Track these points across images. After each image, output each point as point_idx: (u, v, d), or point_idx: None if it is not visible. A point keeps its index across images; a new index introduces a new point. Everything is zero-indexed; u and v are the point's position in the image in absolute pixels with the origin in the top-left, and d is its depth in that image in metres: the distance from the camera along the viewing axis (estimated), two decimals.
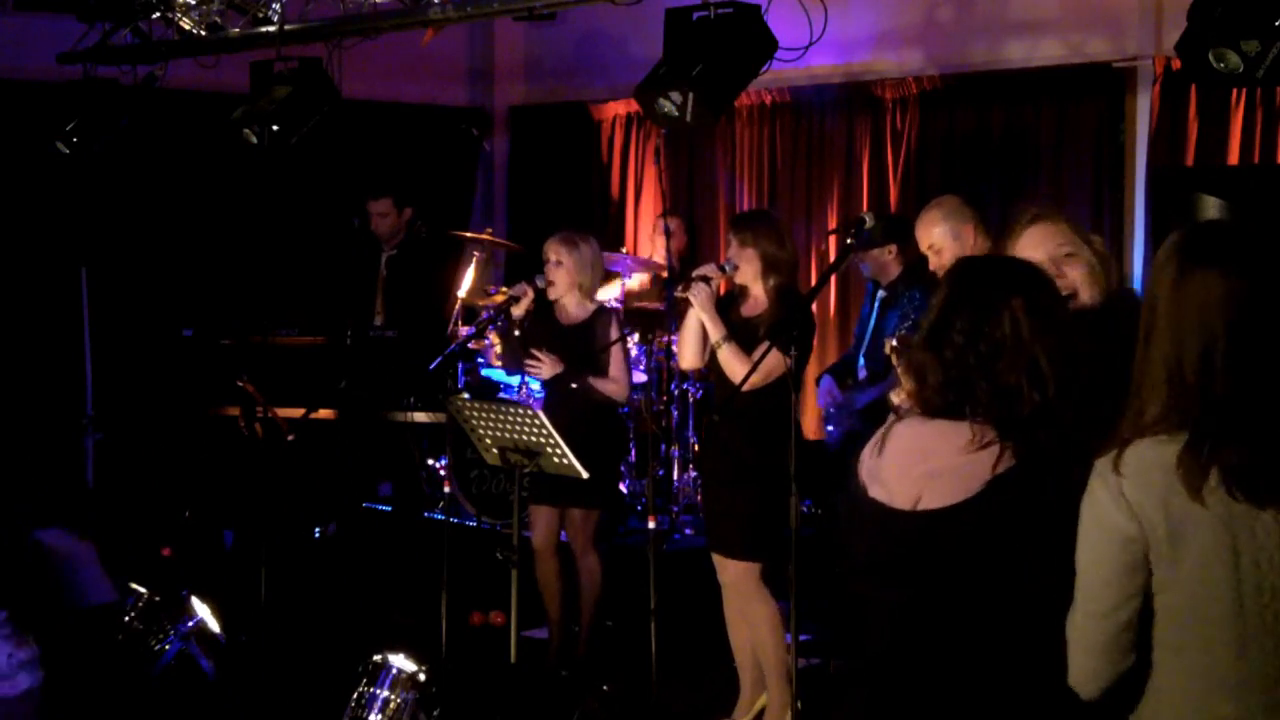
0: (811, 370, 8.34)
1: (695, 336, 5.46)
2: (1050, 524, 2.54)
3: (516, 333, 6.22)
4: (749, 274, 5.45)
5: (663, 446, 7.94)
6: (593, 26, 9.68)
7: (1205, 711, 2.48)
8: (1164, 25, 7.38)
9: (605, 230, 9.70)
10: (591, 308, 6.21)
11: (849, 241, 5.61)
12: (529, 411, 5.34)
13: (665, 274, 8.29)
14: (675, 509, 7.85)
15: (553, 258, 6.14)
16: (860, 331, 6.56)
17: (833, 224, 8.77)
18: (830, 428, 6.81)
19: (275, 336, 7.96)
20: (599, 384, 6.07)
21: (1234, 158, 7.20)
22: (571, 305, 6.20)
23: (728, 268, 5.48)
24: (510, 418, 5.37)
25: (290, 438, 6.46)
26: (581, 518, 6.16)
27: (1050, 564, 2.53)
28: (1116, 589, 2.48)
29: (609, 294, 8.09)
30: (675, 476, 7.98)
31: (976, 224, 5.29)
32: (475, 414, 5.47)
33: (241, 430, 6.92)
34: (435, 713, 4.63)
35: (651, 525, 5.54)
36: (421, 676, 4.64)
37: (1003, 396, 2.63)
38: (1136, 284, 6.52)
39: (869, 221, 5.89)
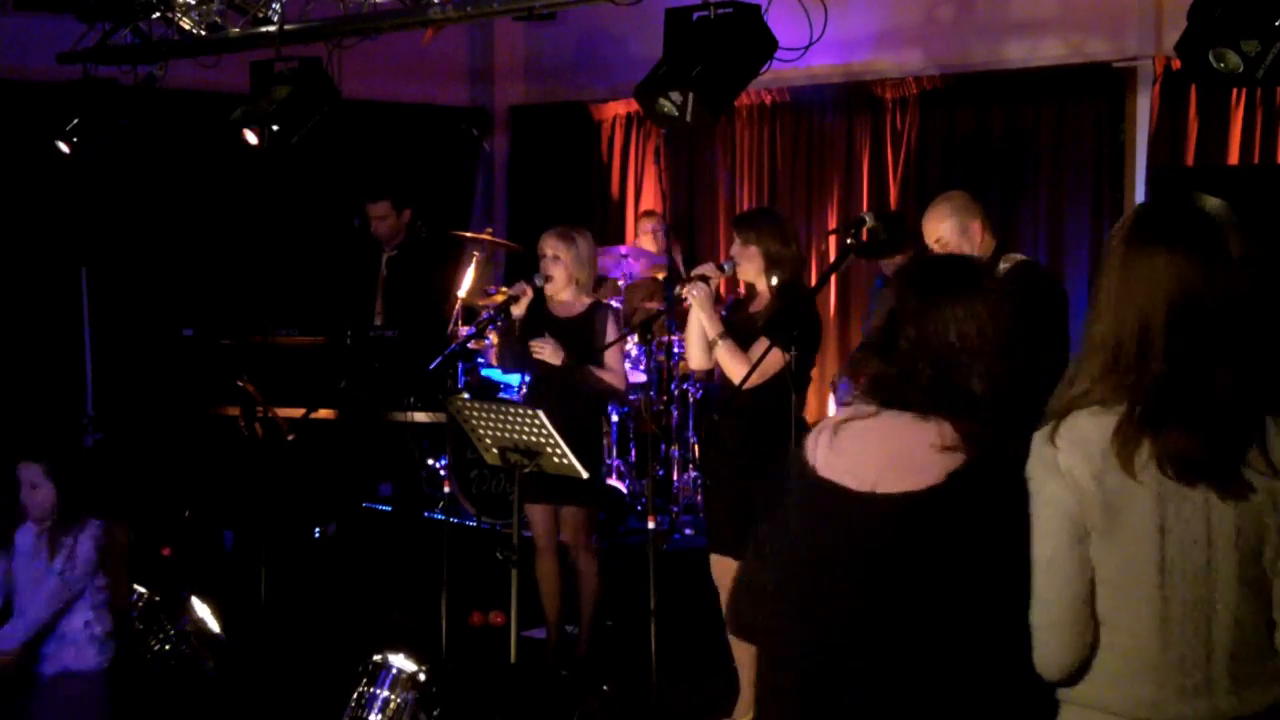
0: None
1: (698, 337, 5.46)
2: (1002, 522, 2.54)
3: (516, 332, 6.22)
4: (751, 271, 5.46)
5: (663, 446, 7.95)
6: (593, 26, 9.68)
7: (1126, 691, 2.46)
8: (1164, 25, 7.39)
9: (605, 230, 9.71)
10: (587, 302, 6.21)
11: (849, 242, 5.60)
12: (529, 411, 5.34)
13: (664, 274, 8.30)
14: (675, 509, 7.86)
15: (550, 253, 6.13)
16: None
17: (833, 224, 8.78)
18: None
19: (275, 336, 7.96)
20: (599, 373, 6.07)
21: (1234, 158, 7.21)
22: (567, 299, 6.20)
23: (726, 267, 5.48)
24: (510, 418, 5.37)
25: (290, 438, 6.46)
26: (574, 515, 6.15)
27: (1003, 562, 2.52)
28: (1066, 562, 2.47)
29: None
30: (675, 476, 7.99)
31: (984, 220, 5.29)
32: (475, 414, 5.47)
33: (241, 430, 6.91)
34: (435, 713, 4.62)
35: (651, 525, 5.53)
36: (421, 676, 4.64)
37: (953, 395, 2.62)
38: None
39: (869, 221, 5.89)
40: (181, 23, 7.69)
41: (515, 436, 5.36)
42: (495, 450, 5.46)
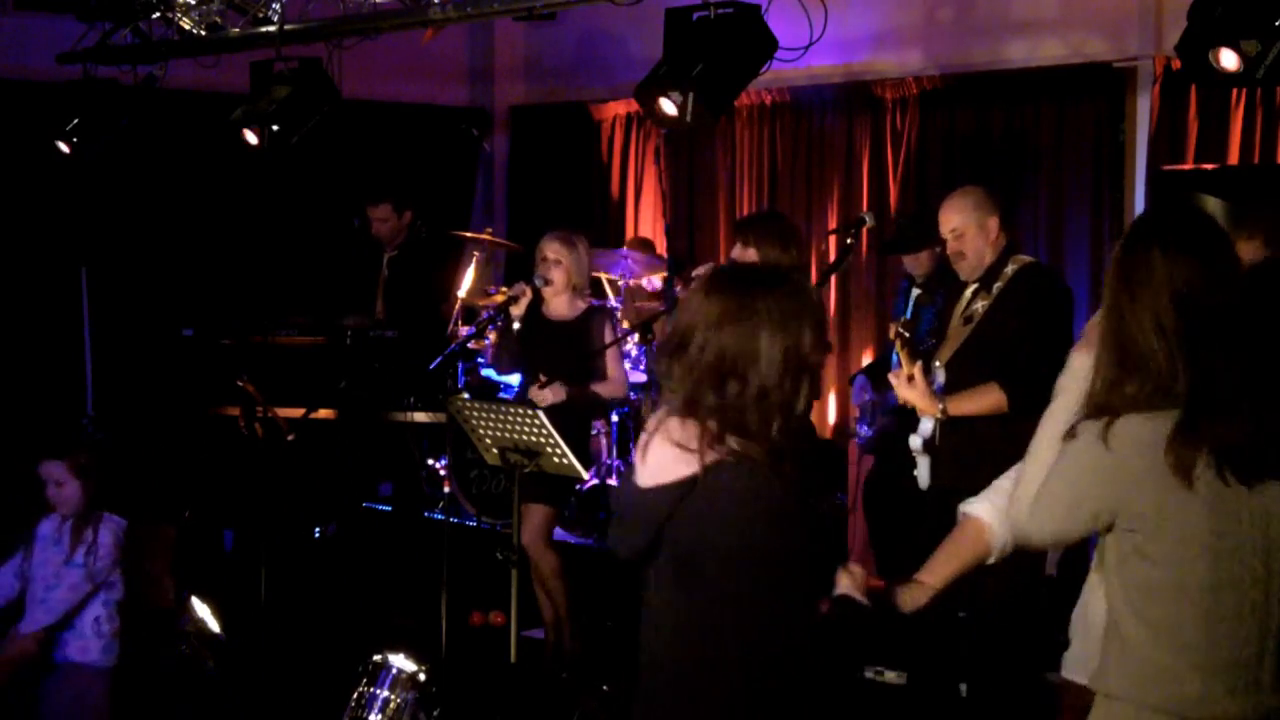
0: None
1: None
2: (735, 529, 2.70)
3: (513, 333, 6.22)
4: None
5: None
6: (593, 26, 9.68)
7: (1173, 689, 2.51)
8: (1164, 25, 7.38)
9: (605, 230, 9.71)
10: (582, 306, 6.21)
11: (849, 242, 5.61)
12: (529, 411, 5.34)
13: (664, 274, 8.29)
14: None
15: (551, 256, 6.13)
16: None
17: (833, 224, 8.77)
18: (862, 427, 6.81)
19: (275, 336, 7.96)
20: (600, 389, 6.06)
21: (1234, 158, 7.20)
22: (563, 304, 6.19)
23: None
24: (510, 418, 5.37)
25: (290, 438, 6.46)
26: (539, 514, 6.08)
27: (731, 571, 2.70)
28: (1080, 509, 2.61)
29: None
30: None
31: (1001, 218, 5.27)
32: (475, 414, 5.47)
33: (241, 430, 6.90)
34: (435, 713, 4.62)
35: None
36: (421, 676, 4.64)
37: (723, 404, 2.72)
38: None
39: (869, 221, 5.90)
40: (181, 23, 7.69)
41: (515, 436, 5.36)
42: (495, 450, 5.46)
